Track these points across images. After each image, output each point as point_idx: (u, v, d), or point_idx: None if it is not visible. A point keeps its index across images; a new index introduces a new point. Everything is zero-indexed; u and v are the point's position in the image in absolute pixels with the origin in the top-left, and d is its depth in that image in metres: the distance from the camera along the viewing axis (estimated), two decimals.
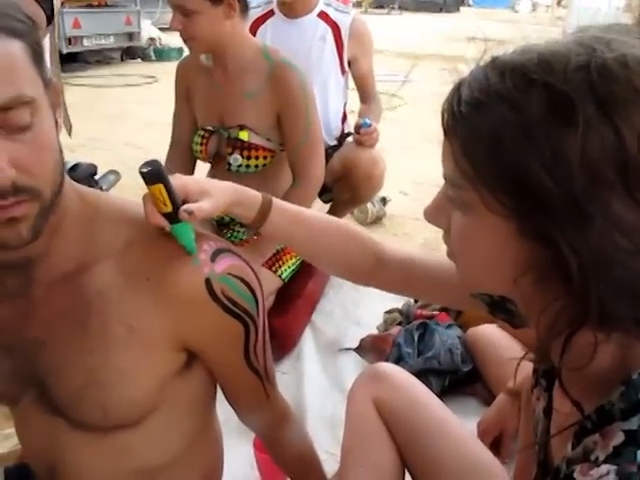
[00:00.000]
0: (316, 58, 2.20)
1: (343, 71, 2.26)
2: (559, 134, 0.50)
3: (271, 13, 2.24)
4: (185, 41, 1.64)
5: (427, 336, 1.72)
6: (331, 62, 2.22)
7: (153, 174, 0.72)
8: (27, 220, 0.64)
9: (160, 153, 2.55)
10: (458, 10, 23.80)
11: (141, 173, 0.71)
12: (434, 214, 0.65)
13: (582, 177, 0.49)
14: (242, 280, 0.78)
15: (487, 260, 0.60)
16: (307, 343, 1.87)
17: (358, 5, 17.52)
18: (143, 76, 7.12)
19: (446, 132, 0.59)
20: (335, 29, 2.19)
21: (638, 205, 0.49)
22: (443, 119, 0.59)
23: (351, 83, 2.38)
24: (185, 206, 0.75)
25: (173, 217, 0.74)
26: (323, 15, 2.20)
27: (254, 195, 0.88)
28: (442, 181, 0.63)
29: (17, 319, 0.74)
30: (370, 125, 2.13)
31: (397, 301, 2.07)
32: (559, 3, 21.91)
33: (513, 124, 0.51)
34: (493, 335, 1.66)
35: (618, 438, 0.51)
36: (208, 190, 0.81)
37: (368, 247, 0.95)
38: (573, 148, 0.49)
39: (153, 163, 0.72)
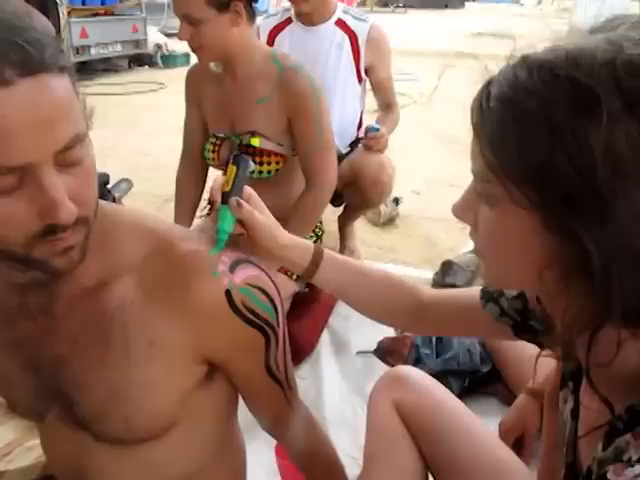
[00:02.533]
0: (333, 66, 2.20)
1: (360, 79, 2.26)
2: (584, 128, 0.50)
3: (289, 21, 2.25)
4: (194, 50, 1.65)
5: (445, 337, 1.71)
6: (348, 70, 2.22)
7: (236, 156, 0.82)
8: (78, 246, 0.65)
9: (172, 159, 2.56)
10: (463, 6, 23.72)
11: (232, 155, 0.83)
12: (462, 210, 0.66)
13: (606, 171, 0.50)
14: (262, 290, 0.78)
15: (513, 254, 0.61)
16: (325, 347, 1.87)
17: (363, 4, 17.50)
18: (151, 83, 7.16)
19: (475, 129, 0.60)
20: (352, 37, 2.19)
21: None
22: (472, 116, 0.60)
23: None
24: (239, 198, 0.81)
25: (226, 199, 0.81)
26: (341, 23, 2.20)
27: (307, 244, 0.93)
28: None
29: (41, 336, 0.75)
30: (378, 130, 2.13)
31: None
32: None
33: (539, 118, 0.53)
34: None
35: None
36: (267, 213, 0.87)
37: (410, 292, 0.97)
38: (597, 142, 0.50)
39: (244, 155, 0.83)
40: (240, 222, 0.84)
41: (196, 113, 1.88)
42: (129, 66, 8.43)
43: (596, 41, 0.55)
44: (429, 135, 4.63)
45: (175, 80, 7.26)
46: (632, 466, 0.50)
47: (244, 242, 0.88)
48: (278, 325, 0.82)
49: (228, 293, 0.74)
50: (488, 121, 0.58)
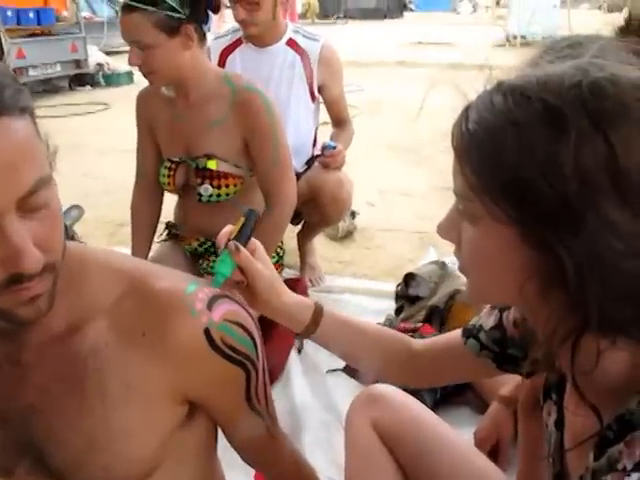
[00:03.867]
0: (286, 85, 2.21)
1: (313, 97, 2.27)
2: (554, 146, 0.54)
3: (239, 42, 2.24)
4: (145, 75, 1.62)
5: None
6: (301, 89, 2.22)
7: (246, 211, 0.88)
8: (45, 294, 0.62)
9: (122, 182, 2.51)
10: (402, 15, 24.24)
11: (246, 209, 0.89)
12: (446, 229, 0.69)
13: (576, 185, 0.53)
14: (240, 325, 0.77)
15: (495, 269, 0.63)
16: (294, 367, 1.86)
17: (304, 17, 17.66)
18: (94, 103, 7.02)
19: (455, 150, 0.63)
20: (304, 56, 2.20)
21: (630, 209, 0.53)
22: (453, 139, 0.64)
23: None
24: (238, 244, 0.84)
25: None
26: (292, 43, 2.21)
27: (308, 302, 0.95)
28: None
29: (9, 386, 0.72)
30: (335, 147, 2.14)
31: (379, 316, 2.07)
32: (498, 3, 22.49)
33: (513, 137, 0.56)
34: None
35: None
36: (271, 267, 0.90)
37: (405, 347, 1.00)
38: (567, 158, 0.53)
39: (256, 210, 0.89)
40: (241, 270, 0.85)
41: (148, 137, 1.85)
42: (70, 87, 8.24)
43: (563, 67, 0.58)
44: (379, 145, 4.69)
45: (119, 100, 7.15)
46: (629, 475, 0.52)
47: (244, 294, 0.88)
48: (258, 358, 0.81)
49: (207, 331, 0.73)
50: (467, 143, 0.61)
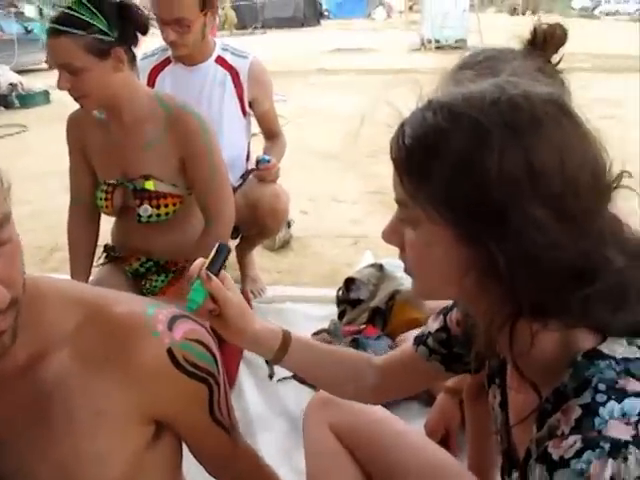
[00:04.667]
0: (217, 103, 2.22)
1: (244, 113, 2.30)
2: (480, 155, 0.62)
3: (168, 61, 2.23)
4: (76, 99, 1.61)
5: (360, 351, 1.78)
6: (232, 105, 2.25)
7: (218, 245, 0.92)
8: (9, 329, 0.63)
9: (47, 205, 2.44)
10: (319, 23, 24.54)
11: (218, 244, 0.93)
12: (390, 235, 0.75)
13: (501, 188, 0.61)
14: (200, 342, 0.81)
15: (437, 268, 0.70)
16: (245, 379, 1.88)
17: (221, 28, 17.58)
18: (10, 125, 6.73)
19: (394, 162, 0.70)
20: (234, 73, 2.22)
21: (549, 207, 0.61)
22: (391, 151, 0.70)
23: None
24: (209, 272, 0.88)
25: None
26: (220, 60, 2.23)
27: (276, 328, 0.98)
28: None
29: None
30: (269, 161, 2.18)
31: (323, 321, 2.13)
32: (411, 8, 23.18)
33: (445, 149, 0.64)
34: None
35: (576, 412, 0.60)
36: (240, 296, 0.94)
37: (369, 365, 1.04)
38: (492, 165, 0.61)
39: (227, 245, 0.94)
40: (213, 299, 0.89)
41: (81, 161, 1.83)
42: None
43: (484, 85, 0.67)
44: (307, 154, 4.77)
45: (37, 121, 6.90)
46: (566, 438, 0.59)
47: (216, 322, 0.92)
48: (218, 373, 0.84)
49: (170, 351, 0.76)
50: (404, 155, 0.68)
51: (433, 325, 0.99)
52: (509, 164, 0.61)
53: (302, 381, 1.83)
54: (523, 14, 24.89)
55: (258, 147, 2.46)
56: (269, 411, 1.76)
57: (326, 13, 27.60)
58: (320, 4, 25.75)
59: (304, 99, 7.47)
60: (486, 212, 0.62)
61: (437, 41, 13.59)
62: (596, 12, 28.62)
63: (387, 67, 10.23)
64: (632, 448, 0.55)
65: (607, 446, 0.55)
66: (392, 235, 0.74)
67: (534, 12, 24.72)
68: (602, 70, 9.68)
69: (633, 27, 19.90)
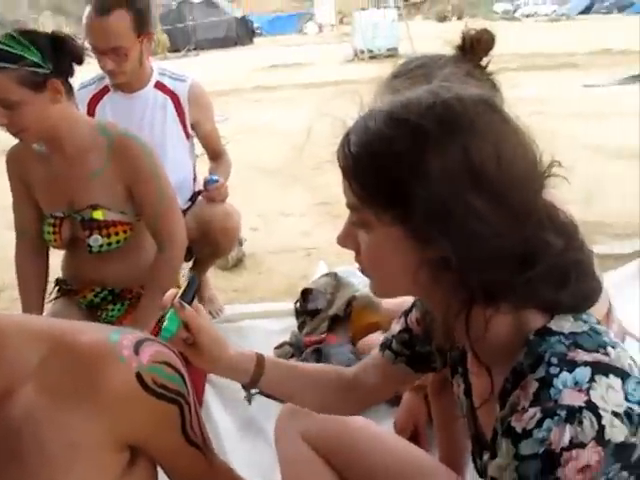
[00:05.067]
0: (159, 128, 2.22)
1: (187, 135, 2.31)
2: (421, 155, 0.67)
3: (107, 89, 2.22)
4: (15, 134, 1.59)
5: (323, 360, 1.81)
6: (174, 129, 2.25)
7: (190, 275, 0.94)
8: None
9: None
10: (252, 41, 24.62)
11: (190, 275, 0.93)
12: (344, 239, 0.79)
13: (443, 184, 0.66)
14: (168, 364, 0.81)
15: (391, 266, 0.74)
16: (212, 400, 1.88)
17: (155, 52, 17.42)
18: None
19: (343, 170, 0.74)
20: (174, 97, 2.22)
21: (489, 199, 0.65)
22: (339, 160, 0.74)
23: None
24: (182, 301, 0.90)
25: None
26: (160, 85, 2.22)
27: (249, 352, 1.00)
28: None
29: None
30: (217, 181, 2.20)
31: (283, 334, 2.14)
32: (341, 21, 23.57)
33: (388, 153, 0.68)
34: (380, 338, 1.79)
35: (534, 386, 0.64)
36: (212, 324, 0.96)
37: (342, 378, 1.07)
38: (433, 164, 0.66)
39: (198, 278, 0.97)
40: (186, 327, 0.90)
41: (25, 195, 1.80)
42: None
43: (420, 91, 0.72)
44: (252, 170, 4.78)
45: None
46: (527, 411, 0.63)
47: (191, 352, 0.93)
48: (188, 393, 0.85)
49: (139, 375, 0.76)
50: (351, 163, 0.72)
51: (395, 328, 1.02)
52: (449, 162, 0.66)
53: (268, 395, 1.83)
54: (450, 20, 25.70)
55: (204, 168, 2.47)
56: (239, 428, 1.76)
57: (258, 31, 27.72)
58: (251, 22, 25.85)
59: (244, 117, 7.49)
60: (432, 209, 0.66)
61: (370, 51, 13.87)
62: (517, 14, 29.79)
63: (324, 80, 10.36)
64: (586, 412, 0.60)
65: (563, 413, 0.60)
66: (346, 239, 0.78)
67: (460, 18, 25.56)
68: (528, 69, 10.09)
69: (551, 27, 20.85)
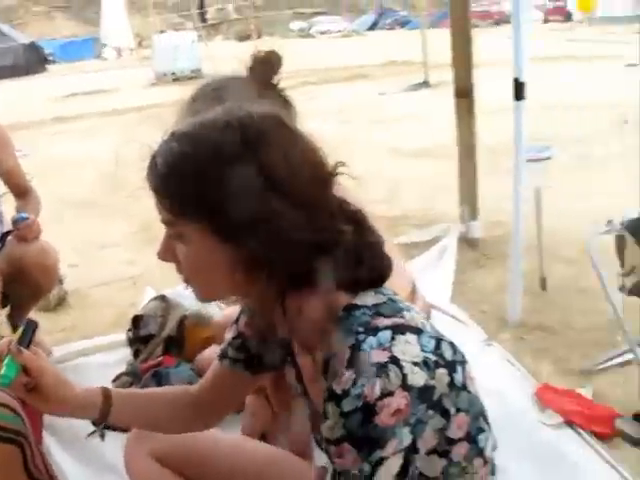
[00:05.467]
0: None
1: None
2: (222, 168, 0.76)
3: None
4: None
5: (164, 382, 1.81)
6: None
7: (26, 321, 0.94)
8: None
9: None
10: (45, 69, 23.03)
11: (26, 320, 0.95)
12: (164, 253, 0.85)
13: (243, 190, 0.75)
14: (5, 406, 0.81)
15: (209, 272, 0.82)
16: (50, 443, 1.78)
17: None
18: None
19: (154, 191, 0.81)
20: None
21: (286, 199, 0.76)
22: (149, 182, 0.81)
23: None
24: (19, 346, 0.87)
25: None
26: None
27: (94, 388, 0.98)
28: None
29: None
30: (27, 218, 2.09)
31: (119, 366, 2.09)
32: (140, 44, 23.04)
33: (192, 170, 0.77)
34: (217, 350, 1.84)
35: (347, 354, 0.75)
36: (52, 365, 0.93)
37: (188, 395, 1.09)
38: (233, 174, 0.75)
39: (34, 320, 0.96)
40: (26, 372, 0.88)
41: None
42: None
43: (216, 111, 0.81)
44: (62, 205, 4.53)
45: None
46: (344, 375, 0.73)
47: (34, 397, 0.90)
48: (27, 432, 0.85)
49: None
50: (160, 182, 0.79)
51: (229, 336, 1.07)
52: (247, 171, 0.75)
53: (107, 427, 1.78)
54: (251, 39, 26.34)
55: (10, 208, 2.32)
56: (83, 466, 1.69)
57: (51, 58, 26.00)
58: (41, 48, 24.14)
59: (47, 151, 7.04)
60: (237, 214, 0.75)
61: (173, 73, 13.75)
62: (312, 32, 31.44)
63: (128, 106, 10.09)
64: (391, 366, 0.71)
65: (373, 370, 0.71)
66: (166, 253, 0.84)
67: (259, 37, 26.31)
68: (326, 82, 10.76)
69: (344, 42, 22.37)
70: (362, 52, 15.54)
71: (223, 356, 1.07)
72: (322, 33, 30.55)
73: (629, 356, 1.89)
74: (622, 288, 1.85)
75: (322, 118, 6.97)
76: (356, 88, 10.09)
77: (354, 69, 12.18)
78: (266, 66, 1.23)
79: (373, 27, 31.47)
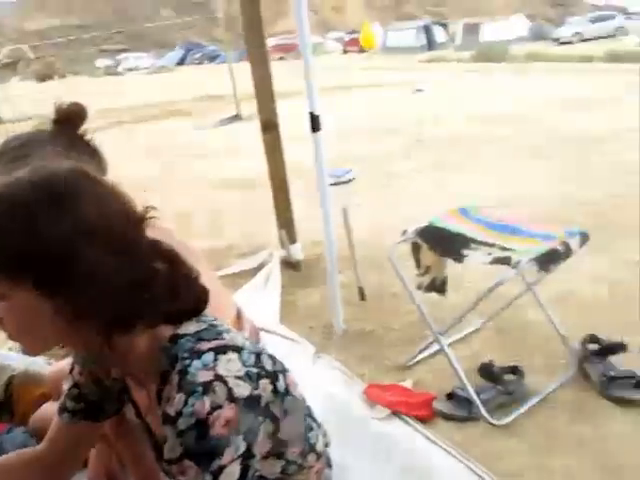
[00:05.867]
0: None
1: None
2: (33, 225, 0.78)
3: None
4: None
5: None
6: None
7: None
8: None
9: None
10: None
11: None
12: None
13: (58, 244, 0.78)
14: None
15: (32, 326, 0.84)
16: None
17: None
18: None
19: None
20: None
21: (101, 247, 0.79)
22: None
23: None
24: None
25: None
26: None
27: None
28: None
29: None
30: None
31: None
32: None
33: (4, 230, 0.78)
34: (53, 407, 1.77)
35: (176, 379, 0.81)
36: None
37: (36, 457, 1.07)
38: (43, 231, 0.78)
39: None
40: None
41: None
42: None
43: (24, 170, 0.84)
44: None
45: None
46: (175, 398, 0.80)
47: None
48: None
49: None
50: None
51: (65, 386, 1.07)
52: (60, 226, 0.79)
53: None
54: (52, 78, 24.78)
55: None
56: None
57: None
58: None
59: None
60: (53, 267, 0.78)
61: None
62: (119, 69, 30.57)
63: None
64: (216, 383, 0.79)
65: (200, 389, 0.78)
66: None
67: (63, 76, 24.85)
68: (142, 120, 10.53)
69: (154, 79, 22.05)
70: (174, 88, 15.44)
71: (62, 410, 1.07)
72: (130, 70, 29.86)
73: (437, 346, 2.15)
74: (420, 287, 2.13)
75: (139, 157, 6.87)
76: (172, 124, 10.01)
77: (168, 105, 12.06)
78: (71, 119, 1.22)
79: (182, 62, 31.43)
